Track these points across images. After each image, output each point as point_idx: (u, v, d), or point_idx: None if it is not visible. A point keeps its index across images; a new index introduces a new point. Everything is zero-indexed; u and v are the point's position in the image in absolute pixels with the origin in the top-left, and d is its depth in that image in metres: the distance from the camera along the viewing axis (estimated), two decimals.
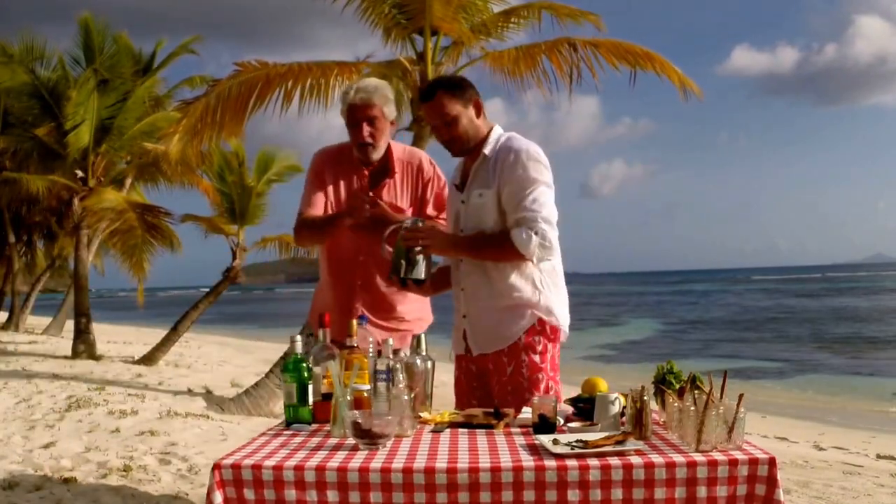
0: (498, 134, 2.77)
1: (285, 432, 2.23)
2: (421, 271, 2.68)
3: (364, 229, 2.95)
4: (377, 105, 2.97)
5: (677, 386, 2.27)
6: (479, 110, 2.75)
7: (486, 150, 2.72)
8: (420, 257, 2.67)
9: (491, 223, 2.66)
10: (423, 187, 3.13)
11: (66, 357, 12.54)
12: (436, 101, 2.70)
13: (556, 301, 2.70)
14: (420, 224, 2.70)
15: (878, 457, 7.46)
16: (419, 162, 3.17)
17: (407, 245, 2.66)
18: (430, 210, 3.13)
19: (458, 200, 2.80)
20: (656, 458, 1.86)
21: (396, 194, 3.09)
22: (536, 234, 2.55)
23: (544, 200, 2.59)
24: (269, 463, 1.88)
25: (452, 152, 2.79)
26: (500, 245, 2.60)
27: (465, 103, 2.72)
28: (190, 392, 9.12)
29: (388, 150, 3.10)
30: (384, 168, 3.11)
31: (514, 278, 2.66)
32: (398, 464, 1.85)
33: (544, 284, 2.68)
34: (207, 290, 13.30)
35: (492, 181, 2.66)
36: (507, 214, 2.62)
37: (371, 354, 2.37)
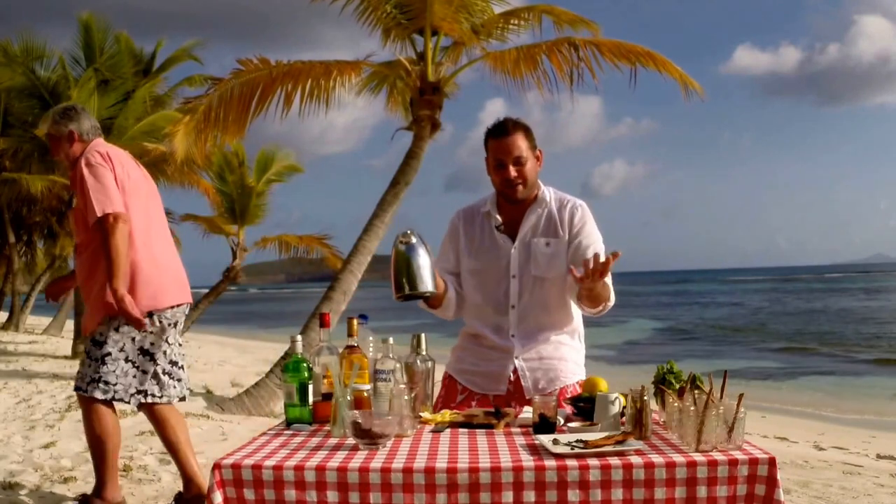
0: (546, 189, 2.79)
1: (285, 432, 2.23)
2: (428, 283, 2.52)
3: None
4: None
5: (677, 386, 2.26)
6: (539, 161, 2.75)
7: (548, 199, 2.75)
8: (425, 269, 2.50)
9: (562, 272, 2.70)
10: None
11: (66, 357, 12.54)
12: (512, 138, 2.66)
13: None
14: (409, 232, 2.53)
15: (878, 457, 7.46)
16: None
17: (601, 277, 2.41)
18: None
19: (507, 244, 2.75)
20: (656, 458, 1.86)
21: None
22: (612, 297, 2.68)
23: None
24: (269, 463, 1.88)
25: (512, 194, 2.70)
26: (605, 291, 2.61)
27: (533, 148, 2.72)
28: (190, 392, 9.11)
29: None
30: None
31: (567, 324, 2.79)
32: (398, 464, 1.85)
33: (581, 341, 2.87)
34: (207, 290, 13.31)
35: (561, 232, 2.72)
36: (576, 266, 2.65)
37: (371, 354, 2.37)
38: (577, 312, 2.82)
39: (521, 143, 2.66)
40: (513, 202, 2.74)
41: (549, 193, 2.78)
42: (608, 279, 2.61)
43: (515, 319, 2.74)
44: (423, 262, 2.49)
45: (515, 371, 2.73)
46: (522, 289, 2.73)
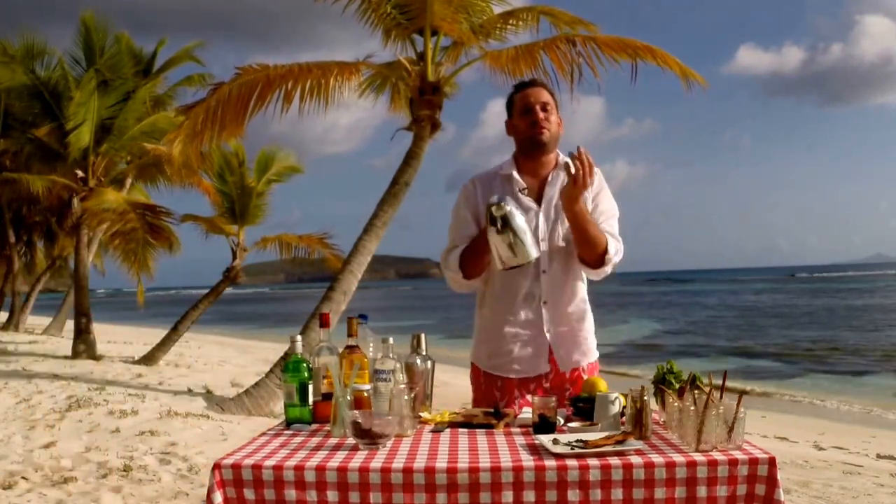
0: (563, 155, 2.74)
1: (285, 432, 2.23)
2: (533, 248, 2.47)
3: None
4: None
5: (677, 386, 2.26)
6: (560, 127, 2.75)
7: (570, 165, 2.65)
8: (527, 233, 2.45)
9: None
10: None
11: (66, 357, 12.54)
12: (540, 88, 2.72)
13: None
14: (502, 202, 2.45)
15: (878, 457, 7.46)
16: None
17: (582, 174, 2.44)
18: None
19: (533, 207, 2.68)
20: (656, 458, 1.86)
21: None
22: (617, 253, 2.66)
23: (617, 227, 2.74)
24: (270, 463, 1.88)
25: (539, 135, 2.66)
26: (599, 238, 2.60)
27: (557, 105, 2.75)
28: (190, 392, 9.12)
29: None
30: None
31: (583, 292, 2.77)
32: (398, 464, 1.85)
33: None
34: (207, 290, 13.31)
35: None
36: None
37: (371, 354, 2.36)
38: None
39: (546, 94, 2.71)
40: (539, 146, 2.67)
41: (567, 159, 2.72)
42: (611, 238, 2.61)
43: (547, 285, 2.67)
44: (524, 227, 2.46)
45: (550, 347, 2.68)
46: (552, 253, 2.66)
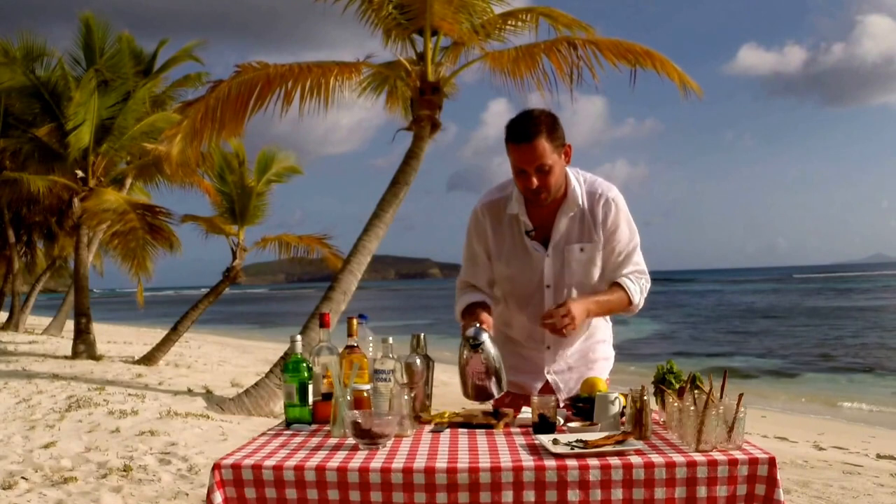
0: (574, 177, 2.58)
1: (285, 432, 2.23)
2: (503, 385, 2.45)
3: None
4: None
5: (677, 386, 2.26)
6: (568, 157, 2.53)
7: (580, 202, 2.56)
8: (499, 372, 2.42)
9: (595, 277, 2.61)
10: None
11: (66, 357, 12.54)
12: (533, 144, 2.41)
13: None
14: (482, 330, 2.41)
15: (878, 457, 7.46)
16: None
17: (556, 334, 2.47)
18: None
19: (539, 252, 2.60)
20: (656, 458, 1.86)
21: None
22: (642, 292, 2.63)
23: (640, 253, 2.66)
24: (270, 463, 1.88)
25: (536, 202, 2.52)
26: (621, 302, 2.59)
27: (560, 149, 2.48)
28: (190, 392, 9.12)
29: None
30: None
31: (600, 333, 2.76)
32: (398, 464, 1.85)
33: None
34: (207, 290, 13.31)
35: (595, 235, 2.57)
36: (612, 266, 2.61)
37: (371, 354, 2.36)
38: None
39: (543, 147, 2.41)
40: (537, 205, 2.56)
41: (579, 188, 2.57)
42: (631, 285, 2.59)
43: (538, 332, 2.64)
44: (497, 363, 2.42)
45: (548, 383, 2.70)
46: (557, 298, 2.59)
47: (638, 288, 2.62)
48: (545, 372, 2.70)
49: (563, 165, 2.52)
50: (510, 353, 2.65)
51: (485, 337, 2.41)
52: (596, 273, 2.61)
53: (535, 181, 2.45)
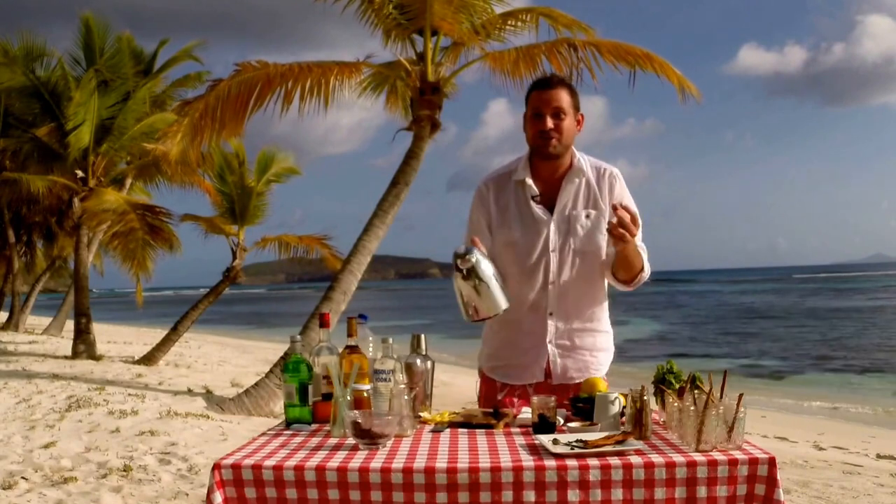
0: (580, 155, 2.65)
1: (285, 432, 2.23)
2: (501, 301, 2.38)
3: None
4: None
5: (677, 386, 2.26)
6: (580, 125, 2.62)
7: (585, 168, 2.62)
8: (494, 286, 2.37)
9: (602, 247, 2.61)
10: None
11: (66, 357, 12.55)
12: (556, 90, 2.55)
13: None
14: (467, 253, 2.35)
15: (878, 457, 7.46)
16: None
17: (623, 239, 2.35)
18: None
19: (545, 216, 2.62)
20: (656, 458, 1.86)
21: None
22: (648, 270, 2.62)
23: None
24: (270, 463, 1.88)
25: (545, 147, 2.55)
26: (639, 260, 2.55)
27: (575, 108, 2.59)
28: (190, 392, 9.12)
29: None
30: None
31: (604, 307, 2.71)
32: (398, 464, 1.85)
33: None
34: (207, 290, 13.31)
35: (601, 203, 2.61)
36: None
37: (371, 354, 2.36)
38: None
39: (563, 96, 2.55)
40: (545, 157, 2.58)
41: (584, 161, 2.64)
42: (641, 247, 2.56)
43: (554, 296, 2.61)
44: (491, 278, 2.36)
45: (548, 359, 2.63)
46: (562, 263, 2.60)
47: (648, 266, 2.61)
48: (546, 342, 2.63)
49: (575, 128, 2.60)
50: (508, 340, 2.67)
51: (475, 253, 2.35)
52: (602, 242, 2.60)
53: (549, 122, 2.53)
